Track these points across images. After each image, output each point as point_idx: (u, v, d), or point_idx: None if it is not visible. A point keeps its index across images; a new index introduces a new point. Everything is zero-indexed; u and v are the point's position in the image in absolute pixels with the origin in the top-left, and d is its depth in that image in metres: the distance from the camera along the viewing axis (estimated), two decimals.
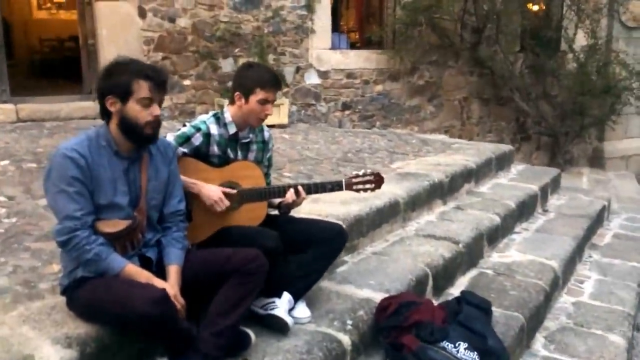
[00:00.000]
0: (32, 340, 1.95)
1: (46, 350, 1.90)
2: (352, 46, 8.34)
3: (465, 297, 2.95)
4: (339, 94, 7.72)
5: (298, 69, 7.41)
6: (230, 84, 6.92)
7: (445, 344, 2.45)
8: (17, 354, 1.86)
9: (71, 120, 6.12)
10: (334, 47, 7.72)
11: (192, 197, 2.53)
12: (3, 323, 2.05)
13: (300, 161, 4.96)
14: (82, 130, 5.46)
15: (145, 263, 2.19)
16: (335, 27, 7.95)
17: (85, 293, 2.02)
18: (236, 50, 7.05)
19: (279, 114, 6.85)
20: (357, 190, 2.67)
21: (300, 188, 2.63)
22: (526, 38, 9.21)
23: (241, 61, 7.10)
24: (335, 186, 2.64)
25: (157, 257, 2.24)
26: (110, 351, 2.02)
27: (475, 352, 2.43)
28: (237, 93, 2.61)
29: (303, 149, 5.59)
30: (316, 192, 2.67)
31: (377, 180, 2.68)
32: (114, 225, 2.10)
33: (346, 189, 2.66)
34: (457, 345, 2.45)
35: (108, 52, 6.30)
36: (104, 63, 6.29)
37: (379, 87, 8.03)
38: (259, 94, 2.56)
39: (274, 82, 2.60)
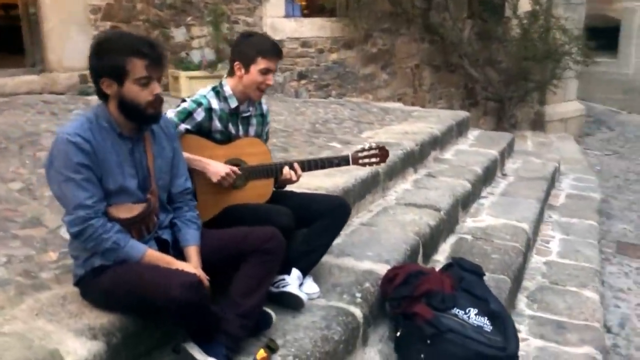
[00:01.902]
0: (52, 334, 1.85)
1: (71, 343, 1.81)
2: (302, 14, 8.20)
3: (460, 263, 3.00)
4: (294, 63, 7.61)
5: None
6: (184, 54, 6.75)
7: (456, 310, 2.51)
8: (41, 350, 1.75)
9: (17, 96, 5.73)
10: (287, 15, 7.57)
11: (195, 176, 2.44)
12: (15, 318, 1.93)
13: (271, 133, 4.86)
14: (30, 105, 5.19)
15: (161, 245, 2.11)
16: None
17: (106, 281, 1.92)
18: (189, 19, 6.78)
19: None
20: (364, 164, 2.66)
21: (296, 165, 2.59)
22: (474, 4, 9.35)
23: (194, 30, 6.86)
24: (342, 161, 2.62)
25: (173, 238, 2.15)
26: (135, 339, 1.95)
27: (486, 317, 2.50)
28: (236, 63, 2.52)
29: None
30: (323, 167, 2.64)
31: (383, 154, 2.67)
32: (128, 210, 2.00)
33: (353, 164, 2.64)
34: (467, 311, 2.51)
35: (51, 22, 5.96)
36: (46, 34, 6.01)
37: (334, 56, 7.96)
38: (261, 63, 2.48)
39: (276, 50, 2.52)
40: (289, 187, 2.77)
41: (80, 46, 6.16)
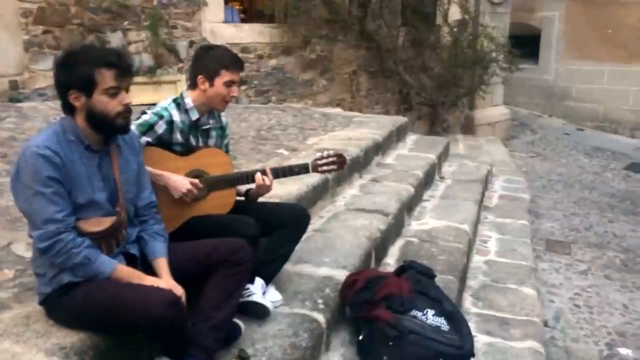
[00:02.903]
0: (22, 356, 1.80)
1: None
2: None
3: (413, 266, 3.11)
4: None
5: (192, 44, 7.15)
6: None
7: (414, 312, 2.61)
8: None
9: None
10: (226, 21, 7.54)
11: (156, 188, 2.43)
12: None
13: None
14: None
15: (129, 260, 2.09)
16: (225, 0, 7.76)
17: (77, 299, 1.89)
18: (125, 23, 6.63)
19: (176, 91, 6.60)
20: (323, 172, 2.72)
21: (268, 170, 2.63)
22: (407, 12, 9.64)
23: (131, 35, 6.71)
24: (302, 169, 2.67)
25: (140, 253, 2.14)
26: (107, 356, 1.93)
27: (442, 317, 2.63)
28: (200, 77, 2.53)
29: None
30: (284, 175, 2.68)
31: (341, 161, 2.75)
32: (97, 223, 1.98)
33: (312, 172, 2.69)
34: (425, 312, 2.63)
35: None
36: None
37: (273, 62, 8.00)
38: (225, 76, 2.52)
39: (239, 62, 2.57)
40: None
41: (10, 51, 5.91)
